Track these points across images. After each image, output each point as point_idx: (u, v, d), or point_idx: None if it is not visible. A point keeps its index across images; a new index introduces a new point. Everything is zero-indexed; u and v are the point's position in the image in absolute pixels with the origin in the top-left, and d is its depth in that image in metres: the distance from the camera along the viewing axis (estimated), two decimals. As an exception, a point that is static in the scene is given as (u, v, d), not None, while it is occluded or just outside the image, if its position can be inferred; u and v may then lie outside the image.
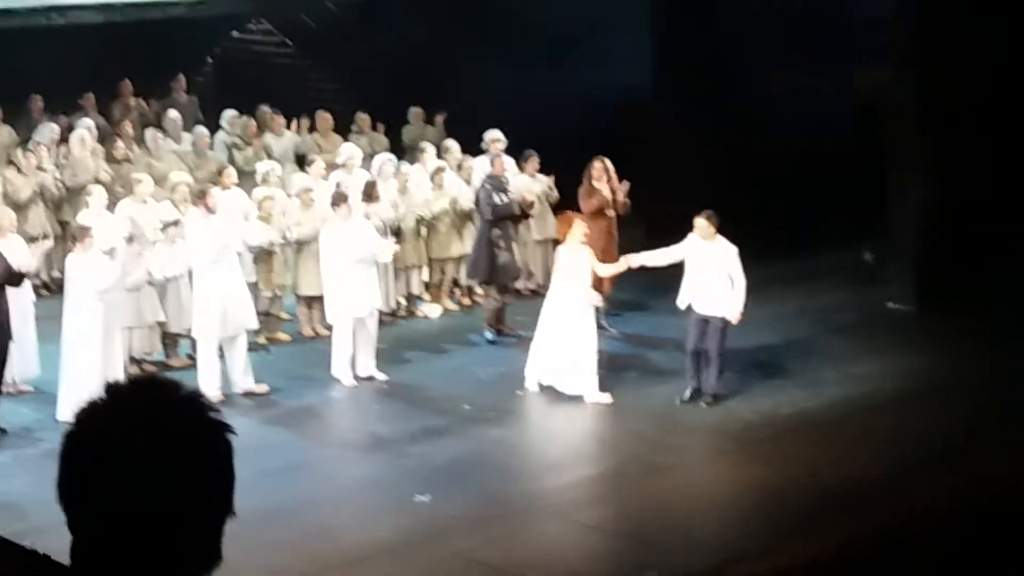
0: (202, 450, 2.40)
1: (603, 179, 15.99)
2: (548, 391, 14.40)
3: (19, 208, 16.16)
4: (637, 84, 18.64)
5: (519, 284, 17.13)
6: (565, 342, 14.02)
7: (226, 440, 2.43)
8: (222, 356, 14.16)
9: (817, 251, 18.80)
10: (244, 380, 14.20)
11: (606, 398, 13.97)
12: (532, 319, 16.26)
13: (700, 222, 13.78)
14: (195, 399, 2.44)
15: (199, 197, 14.46)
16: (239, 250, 14.50)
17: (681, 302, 13.91)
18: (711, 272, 13.71)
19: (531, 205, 16.58)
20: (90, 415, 2.40)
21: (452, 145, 18.00)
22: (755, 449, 13.24)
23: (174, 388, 2.44)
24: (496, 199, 15.89)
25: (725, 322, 13.78)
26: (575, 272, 14.11)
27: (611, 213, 15.97)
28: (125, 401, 2.41)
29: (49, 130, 18.23)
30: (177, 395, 2.43)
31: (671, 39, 18.50)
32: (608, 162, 16.05)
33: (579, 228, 14.13)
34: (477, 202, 16.24)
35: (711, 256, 13.74)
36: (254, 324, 14.70)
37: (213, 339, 14.05)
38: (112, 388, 2.43)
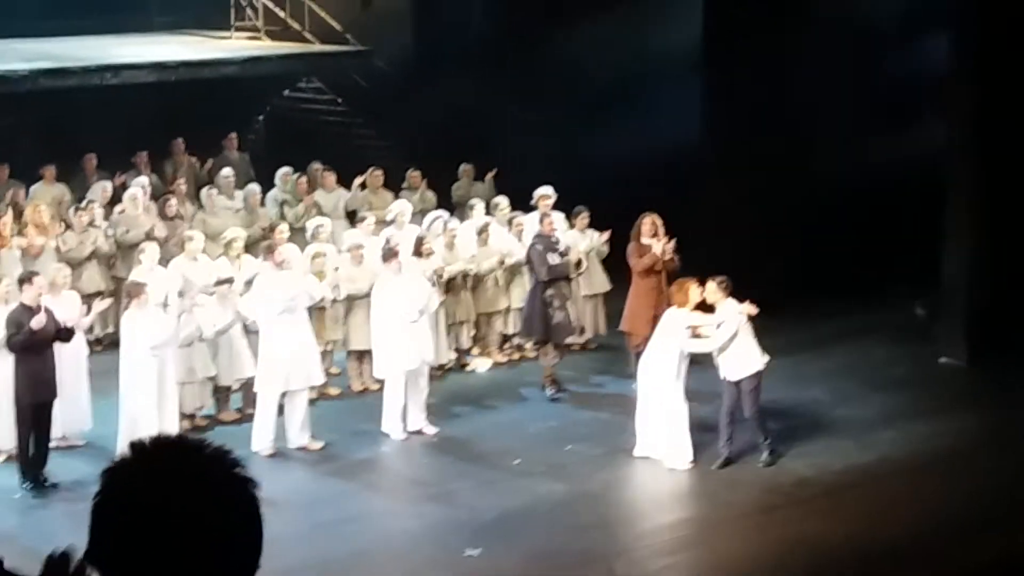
0: (228, 507, 2.42)
1: (653, 235, 15.97)
2: (601, 444, 14.40)
3: (73, 266, 16.33)
4: (686, 138, 18.66)
5: (569, 339, 17.10)
6: (656, 407, 13.94)
7: (252, 497, 2.45)
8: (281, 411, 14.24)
9: (870, 306, 18.74)
10: (301, 436, 14.25)
11: (682, 464, 13.87)
12: (580, 374, 16.29)
13: (711, 286, 13.73)
14: (220, 457, 2.46)
15: (268, 251, 14.63)
16: (307, 304, 14.59)
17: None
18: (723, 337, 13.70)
19: (579, 264, 16.58)
20: (117, 475, 2.44)
21: (502, 201, 18.07)
22: (808, 506, 13.17)
23: (199, 447, 2.47)
24: (549, 259, 15.85)
25: (755, 382, 13.71)
26: (675, 335, 14.01)
27: (660, 269, 15.94)
28: (150, 461, 2.45)
29: (100, 188, 18.45)
30: (202, 454, 2.46)
31: (721, 91, 18.51)
32: (658, 218, 16.04)
33: (696, 292, 14.04)
34: (529, 261, 16.18)
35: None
36: (320, 379, 14.81)
37: (275, 393, 14.12)
38: (137, 447, 2.46)
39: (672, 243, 15.82)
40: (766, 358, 13.75)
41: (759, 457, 13.92)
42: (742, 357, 13.66)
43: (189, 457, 2.46)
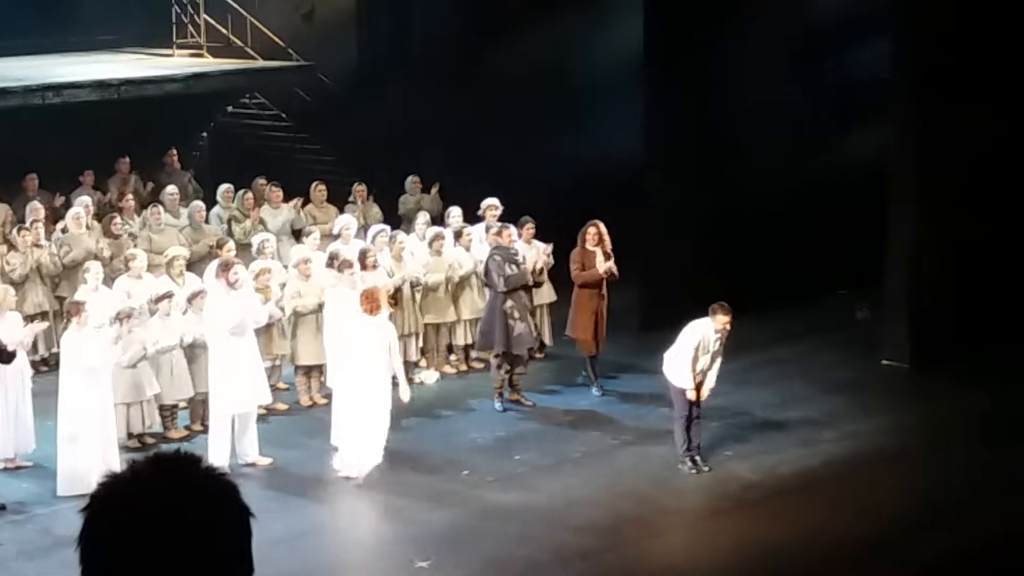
0: (227, 525, 2.44)
1: (597, 244, 16.09)
2: (549, 453, 14.49)
3: (16, 286, 16.25)
4: (629, 147, 18.76)
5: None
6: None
7: (247, 514, 2.49)
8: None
9: (813, 309, 18.89)
10: (249, 452, 14.23)
11: None
12: (527, 384, 16.31)
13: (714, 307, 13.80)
14: (216, 474, 2.48)
15: (223, 270, 14.43)
16: (257, 325, 14.58)
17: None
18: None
19: (541, 272, 16.57)
20: (111, 492, 2.42)
21: (455, 211, 18.09)
22: (754, 508, 13.27)
23: (196, 462, 2.49)
24: (507, 269, 15.87)
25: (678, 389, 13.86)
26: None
27: (599, 279, 16.08)
28: (150, 477, 2.43)
29: (31, 208, 18.25)
30: (200, 470, 2.46)
31: (663, 101, 18.61)
32: (603, 227, 16.17)
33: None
34: (487, 273, 16.07)
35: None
36: (267, 399, 14.79)
37: (228, 413, 14.09)
38: (135, 464, 2.46)
39: (611, 262, 15.94)
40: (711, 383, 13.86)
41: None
42: (681, 368, 13.79)
43: (190, 475, 2.46)
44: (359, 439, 13.89)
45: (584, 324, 16.11)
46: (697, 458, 13.96)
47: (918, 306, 17.25)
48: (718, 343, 13.74)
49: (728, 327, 13.66)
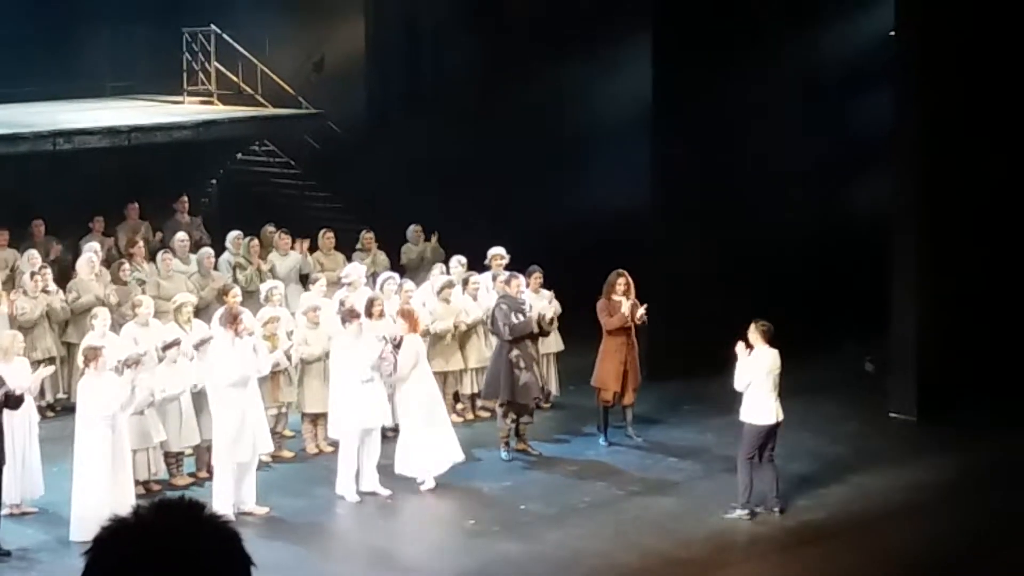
0: (228, 572, 2.46)
1: (624, 293, 16.08)
2: (555, 503, 14.47)
3: (25, 331, 16.30)
4: (635, 197, 18.82)
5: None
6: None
7: (249, 562, 2.50)
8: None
9: (820, 362, 18.87)
10: (247, 500, 14.20)
11: None
12: (533, 433, 16.29)
13: (751, 327, 13.95)
14: (220, 521, 2.50)
15: (231, 320, 14.43)
16: (259, 375, 14.60)
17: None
18: (741, 380, 13.92)
19: (551, 321, 16.57)
20: (115, 536, 2.44)
21: (462, 260, 18.11)
22: (761, 560, 13.23)
23: (200, 509, 2.50)
24: (513, 319, 15.87)
25: (757, 429, 13.83)
26: None
27: (628, 326, 16.08)
28: (153, 522, 2.46)
29: (28, 256, 18.29)
30: (203, 517, 2.49)
31: (670, 149, 18.69)
32: (628, 276, 16.16)
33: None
34: (493, 321, 16.11)
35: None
36: (269, 448, 14.79)
37: (231, 462, 14.08)
38: (139, 509, 2.48)
39: (643, 308, 15.96)
40: (772, 418, 13.85)
41: (728, 510, 14.00)
42: (750, 404, 13.83)
43: (193, 519, 2.47)
44: (425, 442, 14.59)
45: (612, 373, 16.04)
46: (758, 509, 13.92)
47: (926, 359, 17.23)
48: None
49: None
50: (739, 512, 13.89)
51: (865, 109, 19.44)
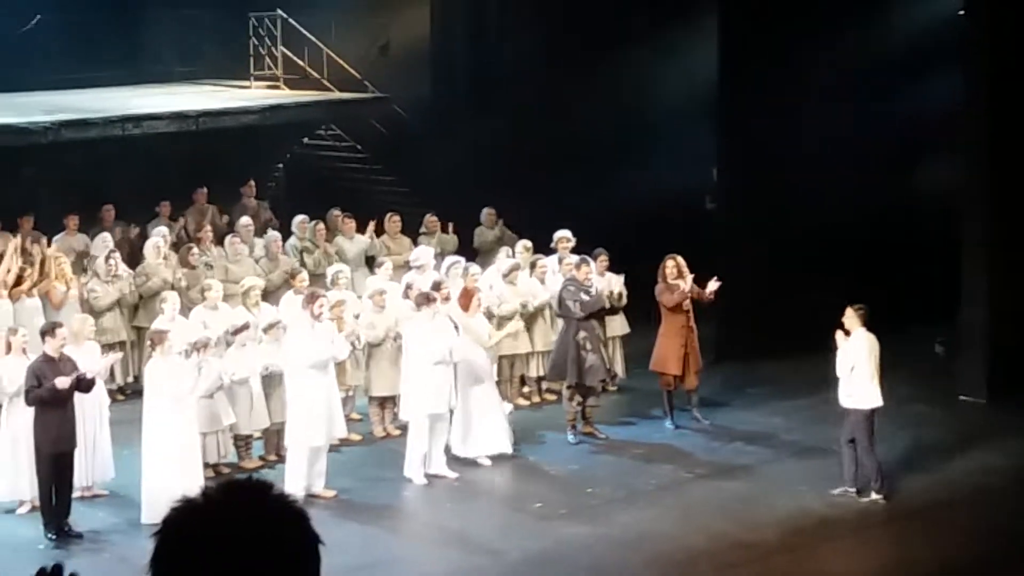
0: (296, 552, 2.48)
1: (677, 277, 16.05)
2: (622, 486, 14.45)
3: (97, 315, 16.47)
4: (701, 182, 18.75)
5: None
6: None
7: (317, 541, 2.50)
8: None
9: (889, 344, 18.67)
10: (316, 483, 14.25)
11: None
12: (600, 417, 16.28)
13: (848, 311, 13.86)
14: (287, 502, 2.50)
15: (309, 301, 14.46)
16: (338, 360, 14.65)
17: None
18: (844, 365, 13.81)
19: (620, 296, 16.53)
20: (183, 517, 2.46)
21: (527, 244, 18.09)
22: (831, 544, 13.16)
23: (268, 489, 2.51)
24: (582, 296, 15.83)
25: (864, 414, 13.74)
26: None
27: (688, 308, 16.02)
28: (222, 503, 2.48)
29: (101, 240, 18.44)
30: (271, 498, 2.50)
31: (736, 133, 18.59)
32: (680, 259, 16.11)
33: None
34: (561, 302, 16.04)
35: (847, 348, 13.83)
36: (343, 433, 14.85)
37: (306, 446, 14.14)
38: (207, 490, 2.50)
39: (716, 281, 15.95)
40: (878, 402, 13.78)
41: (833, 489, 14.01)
42: (855, 389, 13.76)
43: (261, 500, 2.48)
44: (484, 423, 14.87)
45: (673, 356, 15.98)
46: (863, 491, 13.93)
47: (995, 341, 17.09)
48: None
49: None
50: (846, 488, 13.90)
51: (934, 90, 19.23)
